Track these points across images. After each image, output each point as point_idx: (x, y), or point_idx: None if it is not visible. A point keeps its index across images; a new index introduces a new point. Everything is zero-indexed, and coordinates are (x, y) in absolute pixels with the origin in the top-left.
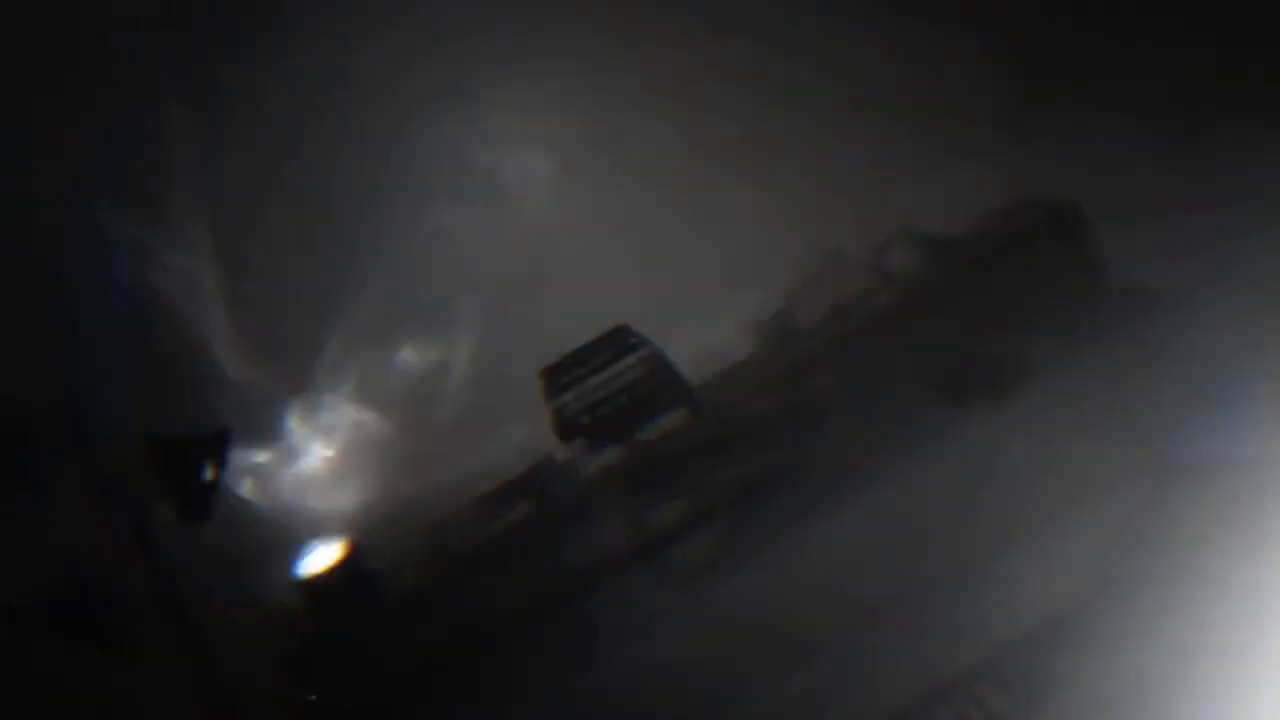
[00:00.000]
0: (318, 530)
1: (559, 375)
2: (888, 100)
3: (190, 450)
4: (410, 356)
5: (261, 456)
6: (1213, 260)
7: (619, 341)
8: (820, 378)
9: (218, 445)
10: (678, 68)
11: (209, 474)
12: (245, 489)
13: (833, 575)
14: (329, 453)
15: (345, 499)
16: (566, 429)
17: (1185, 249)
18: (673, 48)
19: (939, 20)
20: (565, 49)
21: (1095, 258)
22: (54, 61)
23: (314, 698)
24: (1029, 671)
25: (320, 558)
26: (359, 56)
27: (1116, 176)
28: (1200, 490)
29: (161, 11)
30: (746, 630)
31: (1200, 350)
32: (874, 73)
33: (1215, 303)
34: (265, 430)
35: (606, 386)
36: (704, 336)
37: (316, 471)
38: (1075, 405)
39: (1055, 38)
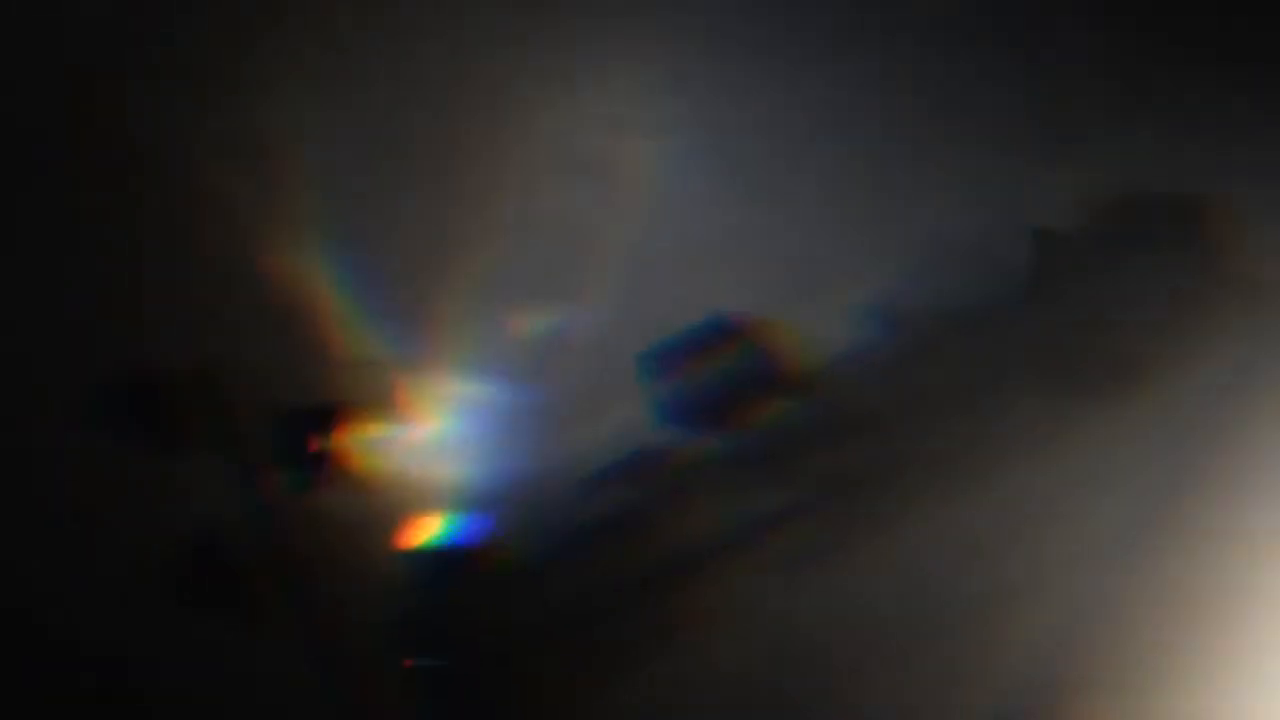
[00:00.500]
0: (428, 502)
1: (662, 359)
2: (1000, 82)
3: (306, 420)
4: (520, 334)
5: (376, 427)
6: None
7: (724, 326)
8: (930, 370)
9: (331, 416)
10: (786, 51)
11: (323, 444)
12: (359, 459)
13: (933, 574)
14: (441, 425)
15: (454, 472)
16: (675, 413)
17: None
18: (780, 28)
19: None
20: (673, 30)
21: (1219, 251)
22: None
23: (409, 663)
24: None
25: (428, 529)
26: (468, 34)
27: (1239, 164)
28: None
29: None
30: (842, 625)
31: None
32: (986, 55)
33: None
34: (381, 401)
35: (710, 371)
36: (810, 324)
37: (427, 443)
38: (1195, 407)
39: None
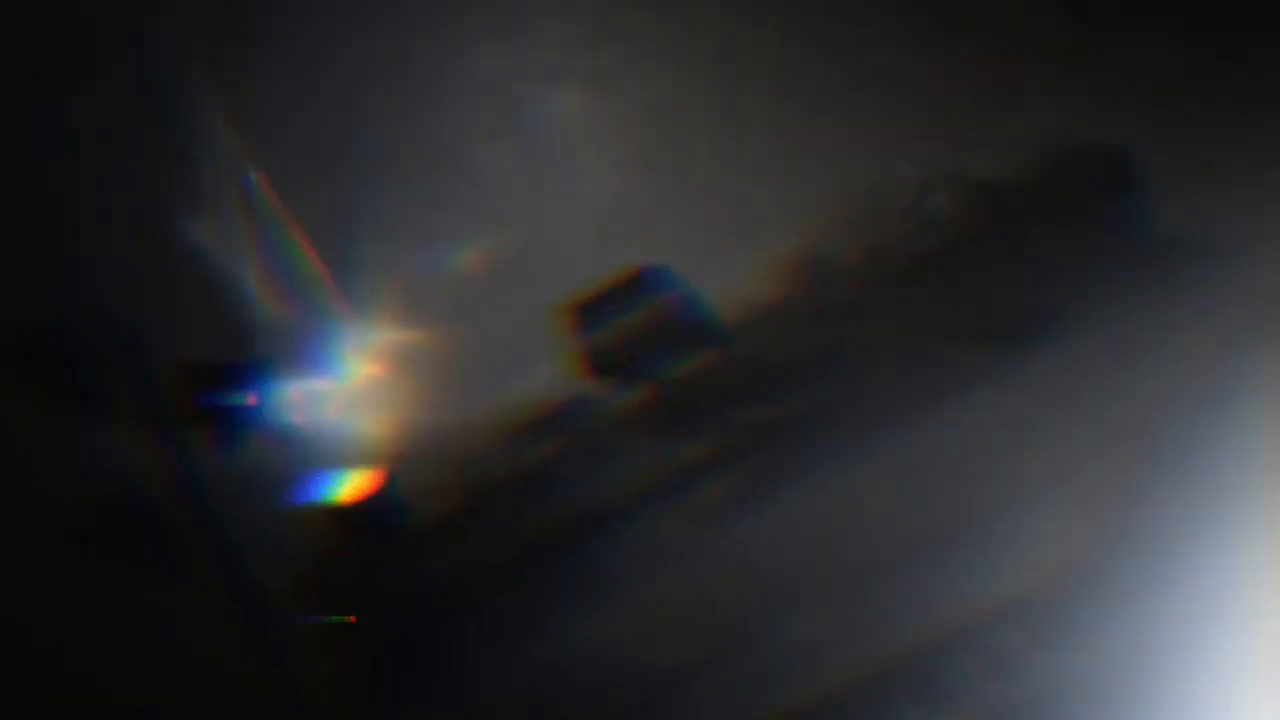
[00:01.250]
0: (350, 456)
1: (587, 312)
2: (932, 35)
3: (225, 375)
4: (442, 286)
5: (297, 382)
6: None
7: (649, 279)
8: (851, 323)
9: (252, 371)
10: (719, 4)
11: (243, 399)
12: (281, 414)
13: (852, 522)
14: (362, 379)
15: (377, 426)
16: (594, 365)
17: (1249, 202)
18: None
19: None
20: None
21: (1146, 207)
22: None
23: (346, 619)
24: (1045, 620)
25: (351, 483)
26: None
27: (1174, 121)
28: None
29: None
30: (763, 572)
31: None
32: (918, 7)
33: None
34: (301, 356)
35: (635, 324)
36: (735, 277)
37: (350, 397)
38: (1112, 362)
39: None
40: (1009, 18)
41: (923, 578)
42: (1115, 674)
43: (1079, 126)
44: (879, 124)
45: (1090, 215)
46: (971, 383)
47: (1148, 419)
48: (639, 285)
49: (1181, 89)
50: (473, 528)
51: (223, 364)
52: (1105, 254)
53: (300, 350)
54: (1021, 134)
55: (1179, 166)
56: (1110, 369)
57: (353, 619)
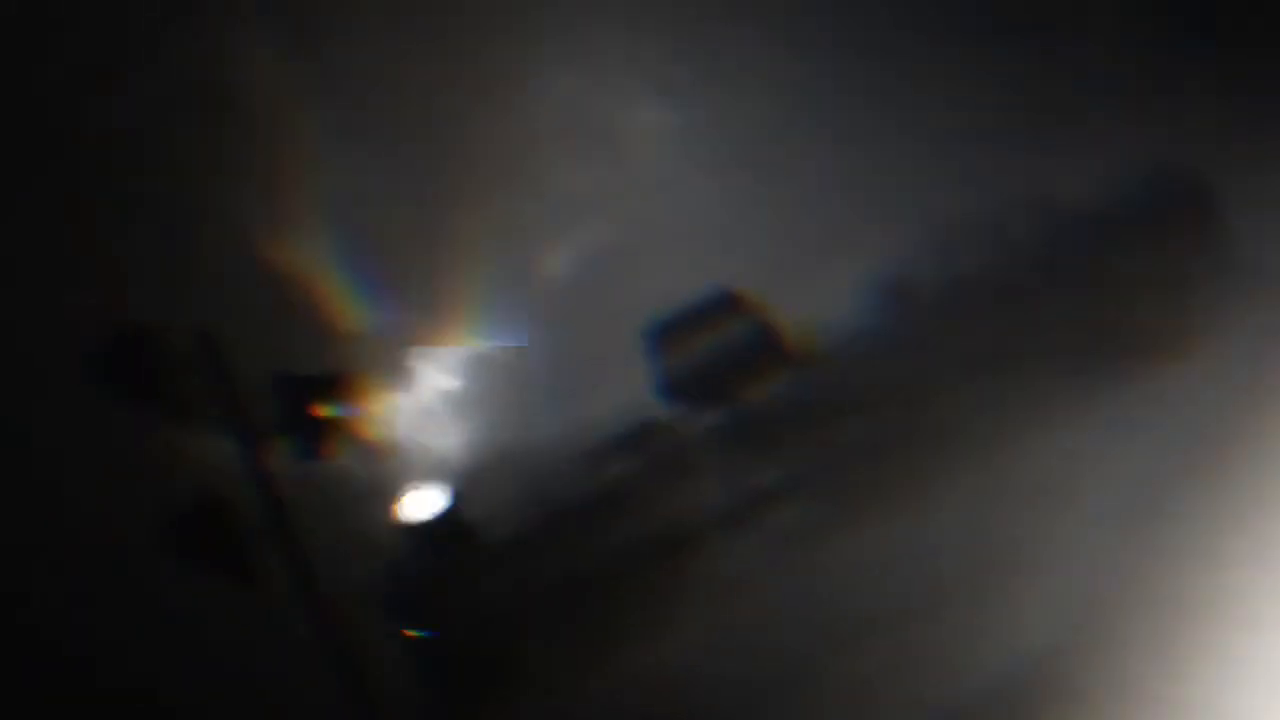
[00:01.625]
0: (426, 474)
1: (667, 332)
2: (1018, 65)
3: (308, 387)
4: (522, 303)
5: (379, 396)
6: None
7: (729, 300)
8: (934, 350)
9: (334, 384)
10: (801, 22)
11: (325, 413)
12: (361, 429)
13: (932, 552)
14: (441, 395)
15: (454, 442)
16: (671, 387)
17: None
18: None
19: None
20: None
21: (1231, 238)
22: None
23: (411, 634)
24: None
25: (426, 501)
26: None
27: (1257, 153)
28: None
29: None
30: (837, 600)
31: None
32: (1006, 37)
33: None
34: (382, 371)
35: (713, 347)
36: (817, 301)
37: (428, 413)
38: (1202, 390)
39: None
40: (1097, 47)
41: (996, 610)
42: None
43: (1166, 154)
44: (967, 150)
45: (1177, 243)
46: (1056, 414)
47: (1236, 451)
48: (720, 306)
49: (1267, 116)
50: (546, 546)
51: (305, 376)
52: (1192, 282)
53: (381, 365)
54: (1109, 161)
55: (1267, 194)
56: (1196, 400)
57: (425, 632)
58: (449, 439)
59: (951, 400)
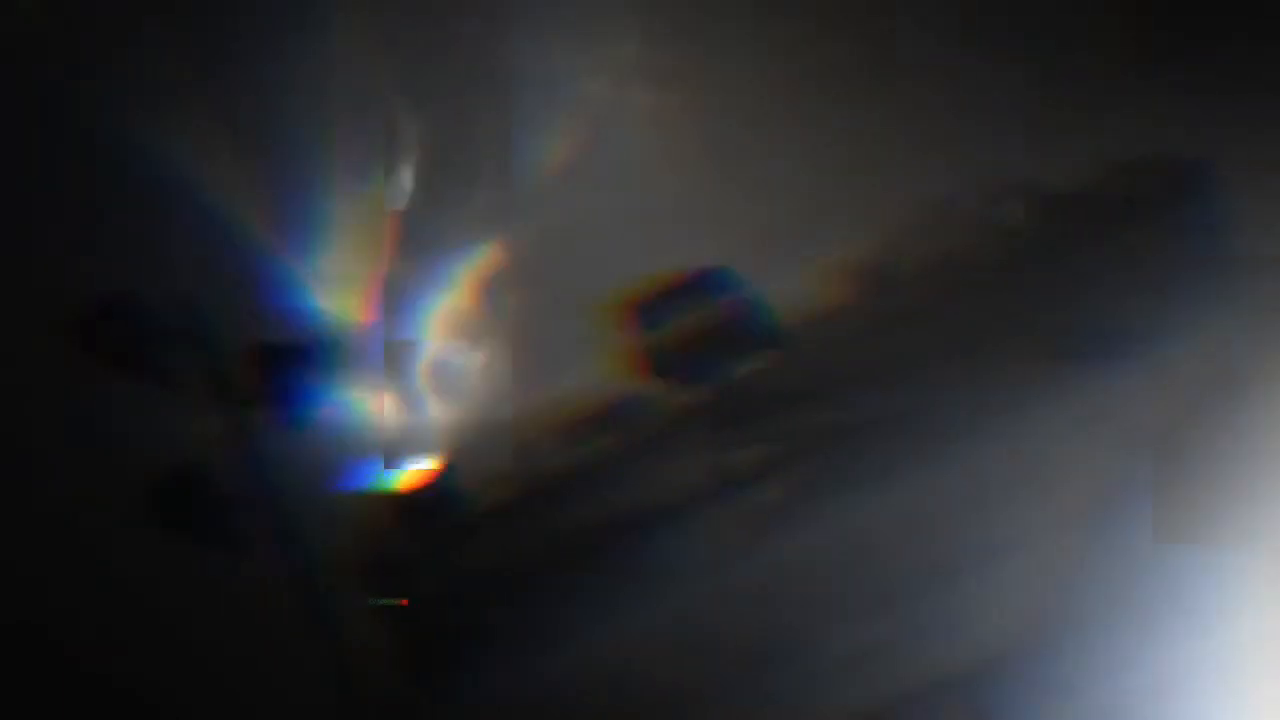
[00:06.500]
0: (408, 443)
1: (648, 310)
2: (1005, 44)
3: (292, 358)
4: (503, 280)
5: (362, 369)
6: None
7: (710, 280)
8: (914, 332)
9: (318, 355)
10: (797, 9)
11: (309, 382)
12: (344, 399)
13: (910, 532)
14: (424, 369)
15: (437, 415)
16: (652, 364)
17: None
18: None
19: None
20: None
21: (1216, 219)
22: None
23: (390, 603)
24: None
25: (409, 470)
26: None
27: (1250, 136)
28: None
29: None
30: (815, 580)
31: None
32: (992, 15)
33: None
34: (366, 345)
35: (694, 324)
36: (798, 280)
37: (411, 386)
38: (1187, 376)
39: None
40: (1080, 31)
41: (975, 590)
42: None
43: (1149, 138)
44: (950, 132)
45: (1160, 227)
46: (1034, 397)
47: (1211, 433)
48: (700, 285)
49: (1251, 100)
50: (525, 520)
51: (289, 346)
52: (1175, 266)
53: (365, 339)
54: (1091, 145)
55: (1249, 178)
56: (1174, 384)
57: (404, 602)
58: (432, 412)
59: (932, 382)
